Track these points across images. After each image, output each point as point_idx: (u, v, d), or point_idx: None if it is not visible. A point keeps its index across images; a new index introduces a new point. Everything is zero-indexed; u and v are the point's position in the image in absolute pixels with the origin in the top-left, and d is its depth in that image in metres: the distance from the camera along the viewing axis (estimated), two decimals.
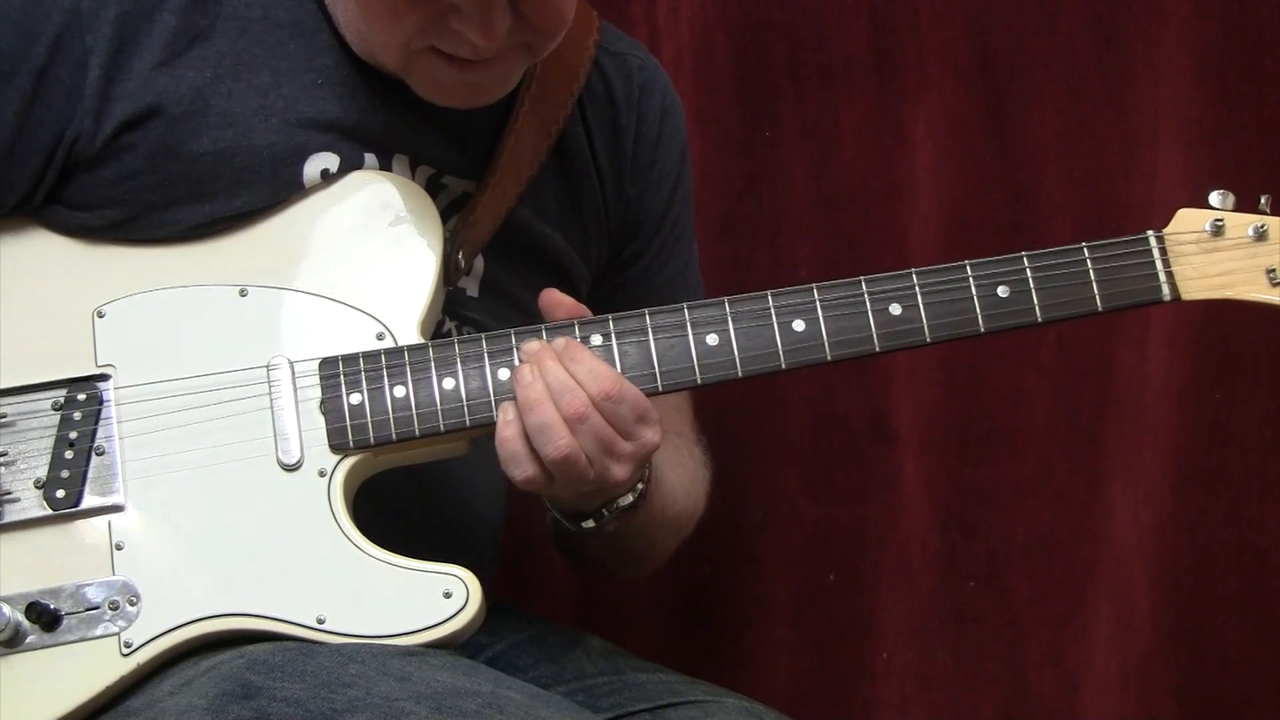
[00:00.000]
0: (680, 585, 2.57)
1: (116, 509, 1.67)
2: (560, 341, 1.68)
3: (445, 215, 1.80)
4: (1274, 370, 2.47)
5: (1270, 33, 2.46)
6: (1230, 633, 2.50)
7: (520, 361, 1.68)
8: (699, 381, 1.71)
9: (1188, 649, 2.51)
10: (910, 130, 2.54)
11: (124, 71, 1.71)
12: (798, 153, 2.56)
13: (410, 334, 1.72)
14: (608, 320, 1.71)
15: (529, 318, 1.79)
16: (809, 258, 2.56)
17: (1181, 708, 2.51)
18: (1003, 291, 1.72)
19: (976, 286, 1.72)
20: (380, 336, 1.72)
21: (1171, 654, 2.51)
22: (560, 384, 1.64)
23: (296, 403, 1.69)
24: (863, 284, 1.72)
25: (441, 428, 1.69)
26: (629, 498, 1.76)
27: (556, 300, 1.73)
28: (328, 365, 1.69)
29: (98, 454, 1.68)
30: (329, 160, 1.77)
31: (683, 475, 1.98)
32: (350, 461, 1.68)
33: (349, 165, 1.77)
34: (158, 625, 1.64)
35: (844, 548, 2.57)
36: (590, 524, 1.78)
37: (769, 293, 1.72)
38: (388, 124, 1.80)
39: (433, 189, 1.82)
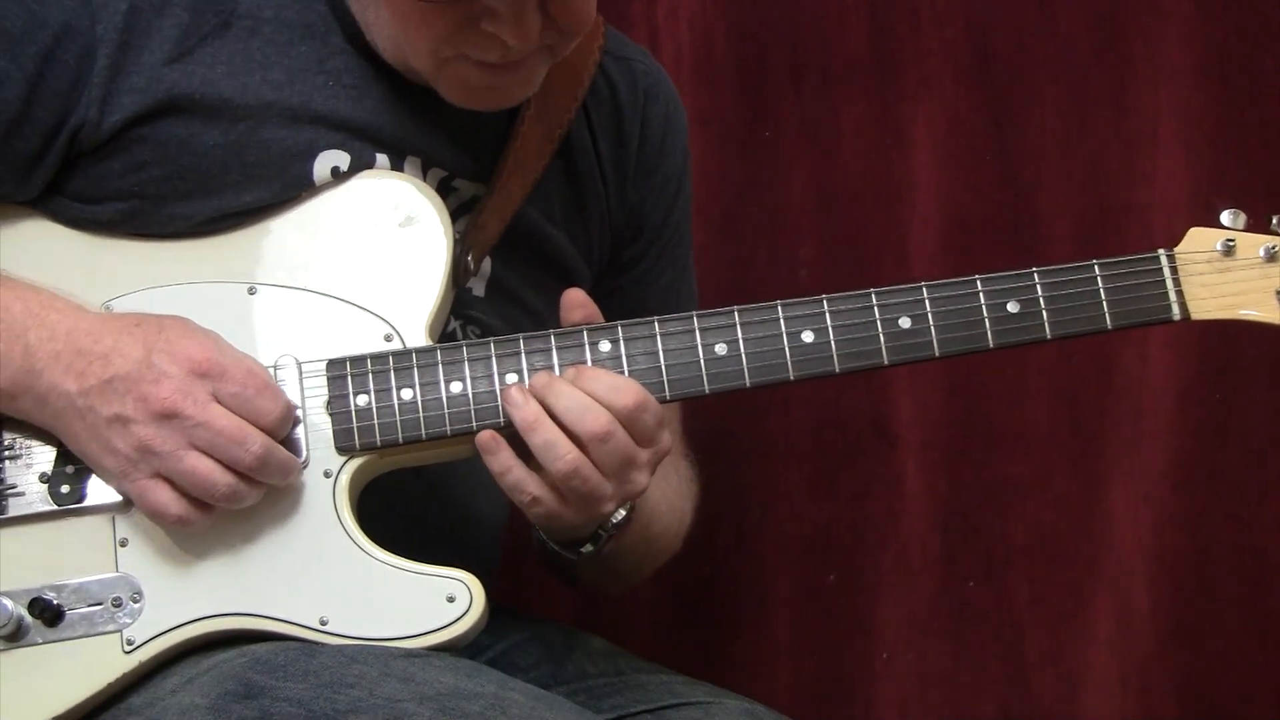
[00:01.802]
0: (681, 586, 2.57)
1: (121, 506, 1.66)
2: (570, 371, 1.68)
3: (455, 217, 1.80)
4: (1274, 370, 2.47)
5: (1270, 33, 2.47)
6: (1230, 633, 2.51)
7: (529, 384, 1.67)
8: (706, 391, 1.71)
9: (1188, 649, 2.52)
10: (910, 130, 2.54)
11: (132, 65, 1.71)
12: (798, 153, 2.56)
13: (418, 336, 1.72)
14: (616, 327, 1.71)
15: (535, 319, 1.79)
16: (809, 258, 2.56)
17: (1181, 708, 2.52)
18: (1012, 307, 1.72)
19: (986, 302, 1.72)
20: (388, 338, 1.71)
21: (1171, 654, 2.52)
22: (579, 404, 1.64)
23: (303, 403, 1.68)
24: (873, 296, 1.72)
25: (448, 431, 1.68)
26: (621, 513, 1.77)
27: (577, 300, 1.73)
28: (335, 366, 1.69)
29: None
30: (339, 158, 1.76)
31: (669, 491, 1.99)
32: (356, 463, 1.68)
33: (360, 164, 1.77)
34: (160, 623, 1.64)
35: (844, 548, 2.58)
36: (589, 548, 1.79)
37: (779, 303, 1.72)
38: (400, 126, 1.80)
39: (443, 191, 1.81)
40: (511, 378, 1.68)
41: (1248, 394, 2.49)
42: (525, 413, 1.64)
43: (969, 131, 2.53)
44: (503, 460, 1.65)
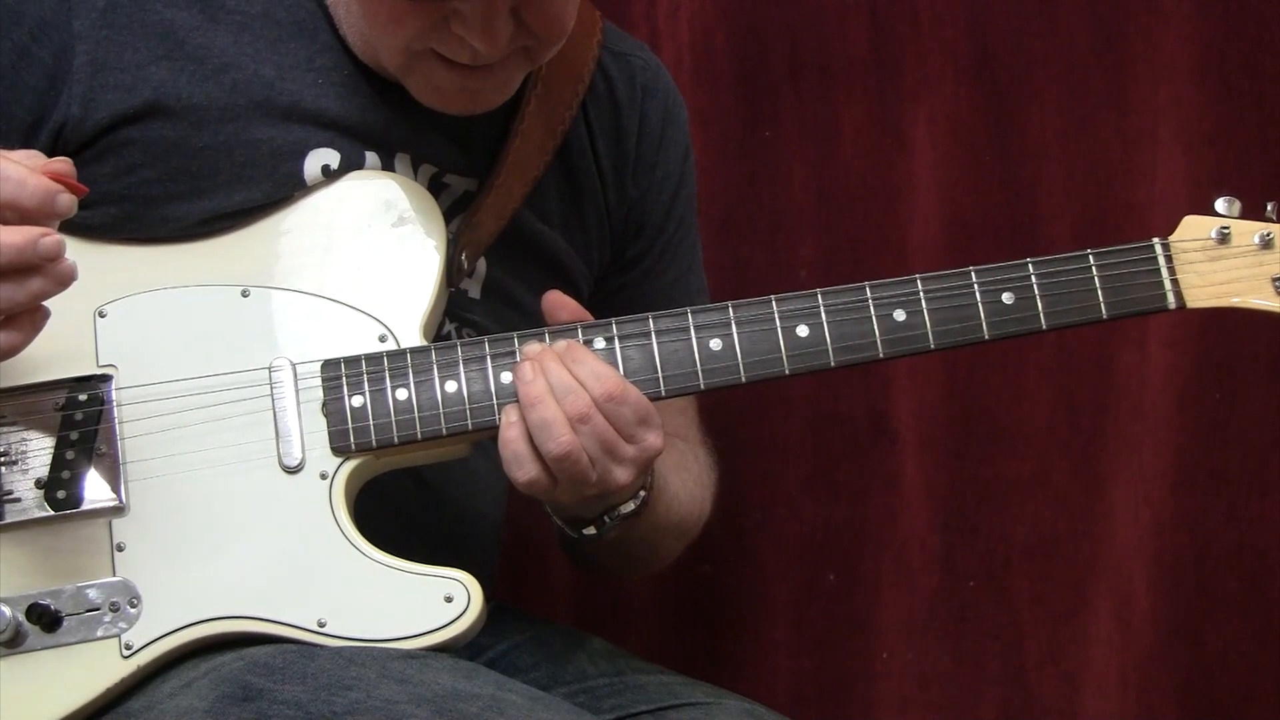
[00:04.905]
0: (680, 585, 2.57)
1: (118, 510, 1.66)
2: (562, 343, 1.68)
3: (448, 215, 1.80)
4: (1274, 370, 2.47)
5: (1270, 33, 2.47)
6: (1230, 633, 2.51)
7: (521, 360, 1.68)
8: (701, 386, 1.71)
9: (1188, 649, 2.51)
10: (910, 130, 2.54)
11: (115, 61, 1.71)
12: (798, 153, 2.56)
13: (413, 336, 1.72)
14: (610, 324, 1.71)
15: (531, 320, 1.79)
16: (809, 258, 2.56)
17: (1181, 708, 2.52)
18: (1007, 298, 1.72)
19: (981, 293, 1.72)
20: (383, 338, 1.71)
21: (1171, 654, 2.52)
22: (563, 384, 1.64)
23: (298, 404, 1.68)
24: (867, 289, 1.72)
25: (444, 430, 1.69)
26: (631, 505, 1.77)
27: (560, 302, 1.73)
28: (330, 367, 1.69)
29: (99, 455, 1.67)
30: (330, 156, 1.77)
31: (687, 479, 1.98)
32: (352, 464, 1.68)
33: (350, 162, 1.77)
34: (158, 627, 1.64)
35: (844, 548, 2.58)
36: (591, 531, 1.78)
37: (773, 298, 1.72)
38: (389, 123, 1.80)
39: (435, 188, 1.82)
40: (506, 376, 1.69)
41: (1248, 393, 2.48)
42: (533, 388, 1.65)
43: (969, 131, 2.53)
44: (515, 419, 1.66)
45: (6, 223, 1.46)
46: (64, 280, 1.49)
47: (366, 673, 1.54)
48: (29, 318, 1.51)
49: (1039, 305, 1.72)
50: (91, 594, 1.65)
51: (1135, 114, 2.49)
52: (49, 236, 1.47)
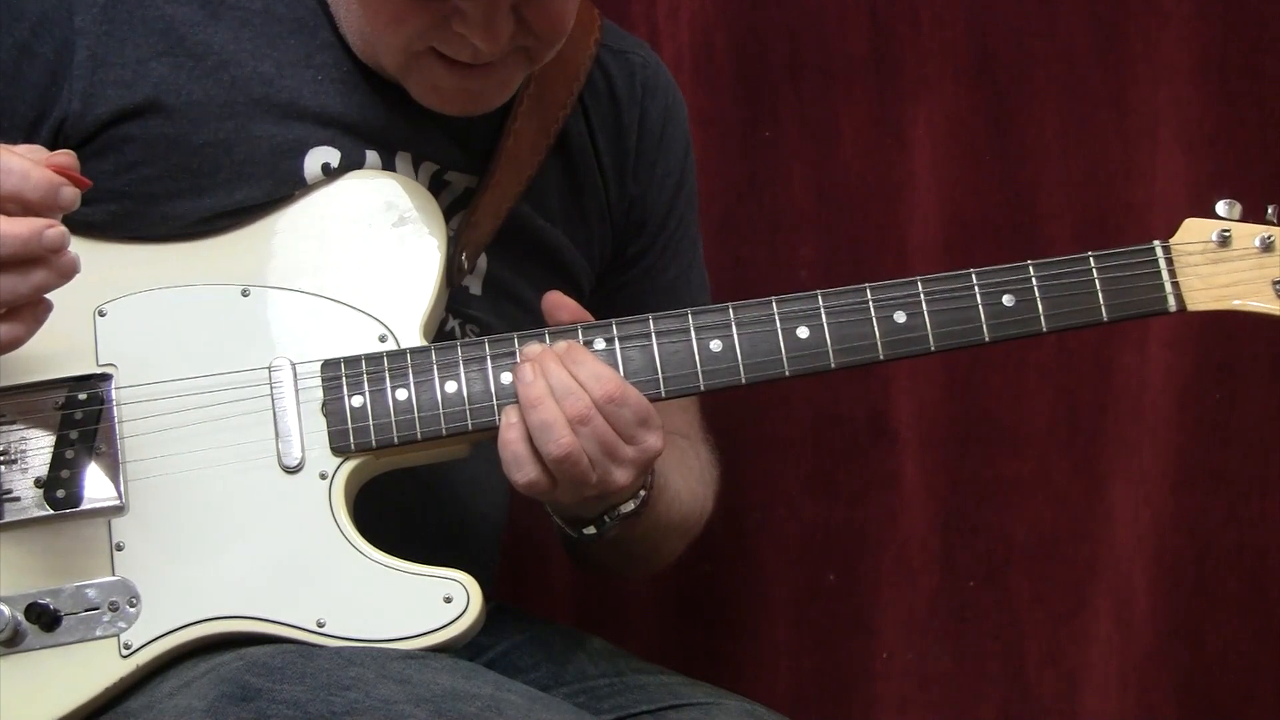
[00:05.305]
0: (681, 585, 2.57)
1: (117, 510, 1.66)
2: (562, 344, 1.68)
3: (449, 213, 1.81)
4: (1274, 370, 2.47)
5: (1270, 33, 2.47)
6: (1230, 633, 2.51)
7: (521, 361, 1.68)
8: (702, 388, 1.71)
9: (1188, 649, 2.52)
10: (910, 130, 2.54)
11: (115, 56, 1.72)
12: (797, 153, 2.56)
13: (413, 336, 1.72)
14: (611, 325, 1.71)
15: (533, 316, 1.79)
16: (809, 258, 2.56)
17: (1181, 708, 2.52)
18: (1008, 300, 1.72)
19: (982, 295, 1.72)
20: (383, 338, 1.71)
21: (1171, 654, 2.52)
22: (563, 385, 1.64)
23: (298, 404, 1.68)
24: (867, 291, 1.72)
25: (443, 431, 1.69)
26: (631, 504, 1.76)
27: (559, 302, 1.73)
28: (330, 367, 1.69)
29: (98, 454, 1.67)
30: (330, 155, 1.77)
31: (689, 477, 1.98)
32: (351, 464, 1.68)
33: (350, 161, 1.78)
34: (158, 626, 1.64)
35: (844, 548, 2.58)
36: (591, 530, 1.78)
37: (773, 299, 1.72)
38: (389, 121, 1.80)
39: (436, 186, 1.82)
40: (506, 377, 1.69)
41: (1248, 393, 2.49)
42: (533, 389, 1.65)
43: (969, 131, 2.53)
44: (515, 420, 1.65)
45: (10, 215, 1.46)
46: (67, 273, 1.50)
47: (365, 673, 1.54)
48: (31, 310, 1.52)
49: (1040, 307, 1.73)
50: (90, 593, 1.64)
51: (1135, 114, 2.50)
52: (53, 228, 1.47)
